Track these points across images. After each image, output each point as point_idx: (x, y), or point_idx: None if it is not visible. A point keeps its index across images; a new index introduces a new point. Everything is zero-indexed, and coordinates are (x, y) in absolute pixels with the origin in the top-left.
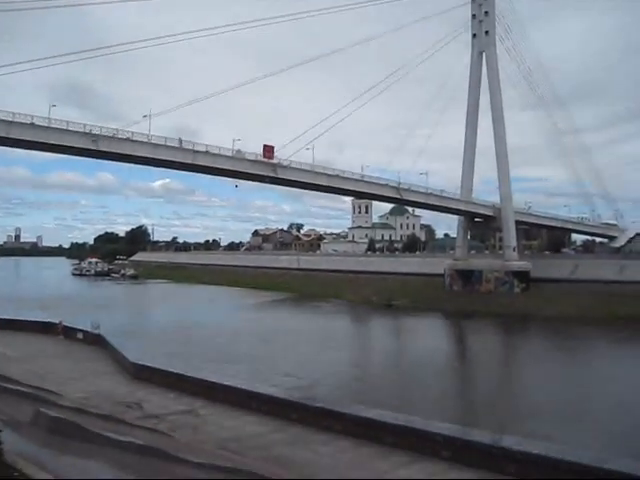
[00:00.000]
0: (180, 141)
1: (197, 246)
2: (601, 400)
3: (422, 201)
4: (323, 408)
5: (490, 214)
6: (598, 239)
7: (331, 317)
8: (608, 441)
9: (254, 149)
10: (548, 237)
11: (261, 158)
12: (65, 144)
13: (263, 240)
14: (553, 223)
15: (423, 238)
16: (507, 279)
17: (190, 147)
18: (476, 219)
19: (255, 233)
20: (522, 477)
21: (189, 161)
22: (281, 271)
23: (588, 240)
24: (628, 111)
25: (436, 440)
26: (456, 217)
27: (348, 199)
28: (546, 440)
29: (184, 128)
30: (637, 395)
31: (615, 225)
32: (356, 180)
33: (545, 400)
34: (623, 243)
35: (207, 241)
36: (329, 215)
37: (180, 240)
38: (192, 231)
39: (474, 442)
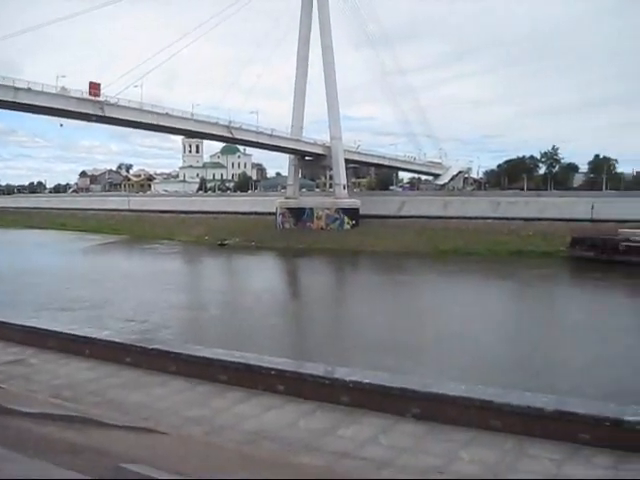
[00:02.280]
0: None
1: (21, 189)
2: (435, 329)
3: (253, 140)
4: (158, 349)
5: (321, 152)
6: (424, 177)
7: (165, 258)
8: (437, 368)
9: (82, 87)
10: (377, 175)
11: (87, 96)
12: None
13: (91, 181)
14: (381, 161)
15: (255, 177)
16: (337, 216)
17: (10, 83)
18: (307, 158)
19: (82, 174)
20: (355, 405)
21: (9, 99)
22: (111, 213)
23: (414, 178)
24: (454, 53)
25: (271, 375)
26: (287, 156)
27: (178, 138)
28: (380, 370)
29: (6, 62)
30: (471, 323)
31: (440, 163)
32: (186, 119)
33: (381, 331)
34: (447, 180)
35: (32, 183)
36: (159, 155)
37: (2, 183)
38: (16, 173)
39: (307, 374)
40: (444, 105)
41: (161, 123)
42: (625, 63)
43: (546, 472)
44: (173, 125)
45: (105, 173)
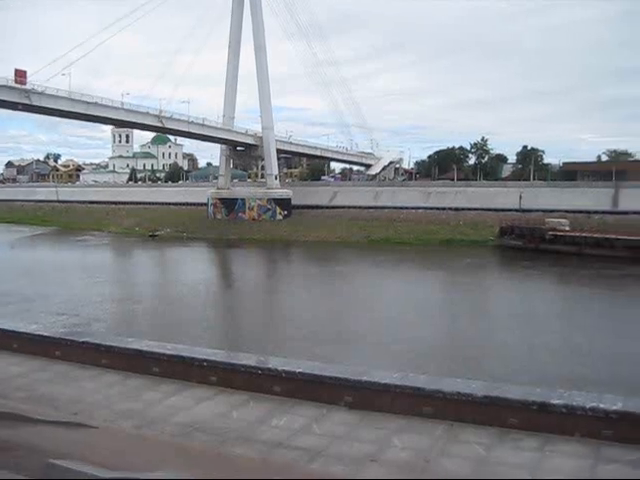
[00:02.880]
0: None
1: None
2: (371, 319)
3: (185, 130)
4: (89, 342)
5: (252, 143)
6: (356, 167)
7: (96, 250)
8: (374, 357)
9: (8, 74)
10: (309, 166)
11: (12, 83)
12: None
13: (18, 172)
14: (313, 152)
15: (186, 167)
16: (270, 207)
17: None
18: (239, 148)
19: (9, 164)
20: (289, 394)
21: None
22: (39, 204)
23: (346, 168)
24: (385, 45)
25: (203, 366)
26: (219, 146)
27: (108, 128)
28: (318, 360)
29: None
30: (406, 312)
31: (371, 154)
32: (116, 108)
33: (318, 321)
34: (378, 171)
35: None
36: (88, 145)
37: None
38: None
39: (240, 365)
40: (376, 96)
41: (90, 112)
42: (550, 58)
43: (476, 456)
44: (103, 114)
45: (32, 163)
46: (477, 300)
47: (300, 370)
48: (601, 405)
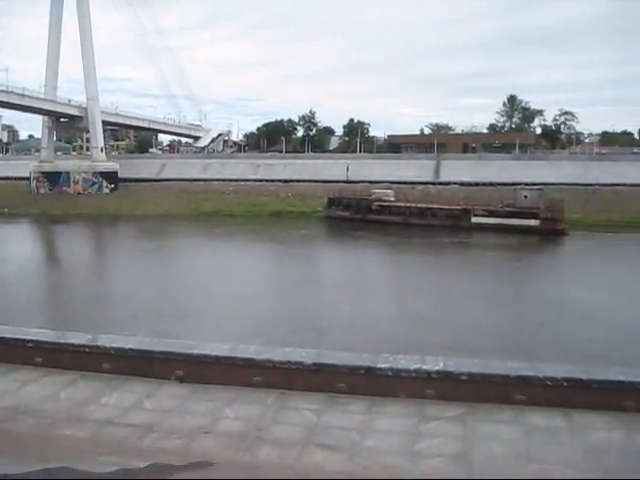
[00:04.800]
0: None
1: None
2: (210, 292)
3: (4, 100)
4: None
5: (76, 114)
6: (184, 139)
7: None
8: (216, 329)
9: None
10: (136, 138)
11: None
12: None
13: None
14: (141, 124)
15: (5, 140)
16: (96, 180)
17: None
18: (62, 119)
19: None
20: (118, 372)
21: None
22: None
23: (174, 140)
24: (214, 14)
25: (28, 347)
26: (41, 117)
27: None
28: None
29: None
30: (244, 285)
31: (200, 126)
32: None
33: (155, 297)
34: (207, 143)
35: None
36: None
37: None
38: None
39: (67, 344)
40: (205, 67)
41: None
42: (378, 33)
43: (306, 422)
44: None
45: None
46: (320, 270)
47: (130, 346)
48: (424, 367)
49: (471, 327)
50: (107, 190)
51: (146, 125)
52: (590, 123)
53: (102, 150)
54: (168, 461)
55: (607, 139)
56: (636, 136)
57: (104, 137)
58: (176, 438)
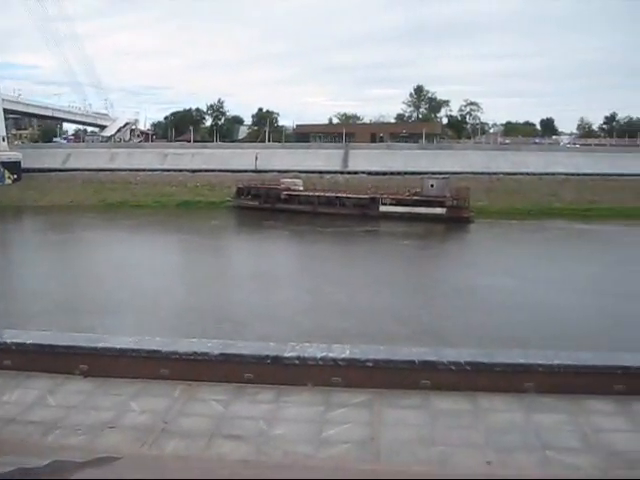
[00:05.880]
0: None
1: None
2: (122, 285)
3: None
4: None
5: None
6: (90, 128)
7: None
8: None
9: None
10: (40, 127)
11: None
12: None
13: None
14: (45, 112)
15: None
16: None
17: None
18: None
19: None
20: (20, 368)
21: None
22: None
23: (80, 129)
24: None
25: None
26: None
27: None
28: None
29: None
30: (159, 277)
31: (106, 115)
32: None
33: (68, 292)
34: (114, 132)
35: None
36: None
37: None
38: None
39: None
40: (113, 55)
41: None
42: (286, 22)
43: (214, 413)
44: None
45: None
46: (235, 262)
47: (31, 341)
48: (330, 354)
49: (386, 315)
50: (9, 181)
51: (50, 114)
52: (494, 114)
53: (4, 139)
54: (72, 458)
55: (510, 129)
56: (538, 127)
57: (6, 126)
58: (81, 434)
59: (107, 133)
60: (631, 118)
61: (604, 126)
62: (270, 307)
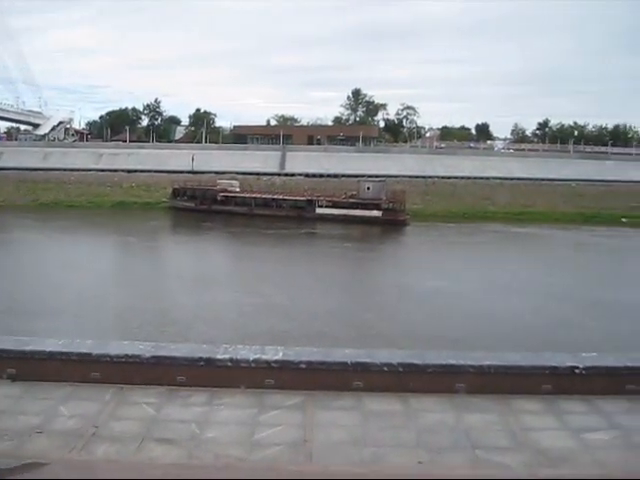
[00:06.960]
0: None
1: None
2: (62, 289)
3: None
4: None
5: None
6: (23, 126)
7: None
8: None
9: None
10: None
11: None
12: None
13: None
14: None
15: None
16: None
17: None
18: None
19: None
20: None
21: None
22: None
23: (12, 127)
24: None
25: None
26: None
27: None
28: None
29: None
30: (100, 280)
31: (40, 113)
32: None
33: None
34: (48, 131)
35: None
36: None
37: None
38: None
39: None
40: (47, 52)
41: None
42: (224, 22)
43: (145, 416)
44: None
45: None
46: (175, 264)
47: None
48: (263, 356)
49: (328, 316)
50: None
51: None
52: (431, 118)
53: None
54: None
55: (446, 134)
56: (473, 131)
57: None
58: (7, 439)
59: (41, 132)
60: (563, 125)
61: (537, 132)
62: (214, 310)
